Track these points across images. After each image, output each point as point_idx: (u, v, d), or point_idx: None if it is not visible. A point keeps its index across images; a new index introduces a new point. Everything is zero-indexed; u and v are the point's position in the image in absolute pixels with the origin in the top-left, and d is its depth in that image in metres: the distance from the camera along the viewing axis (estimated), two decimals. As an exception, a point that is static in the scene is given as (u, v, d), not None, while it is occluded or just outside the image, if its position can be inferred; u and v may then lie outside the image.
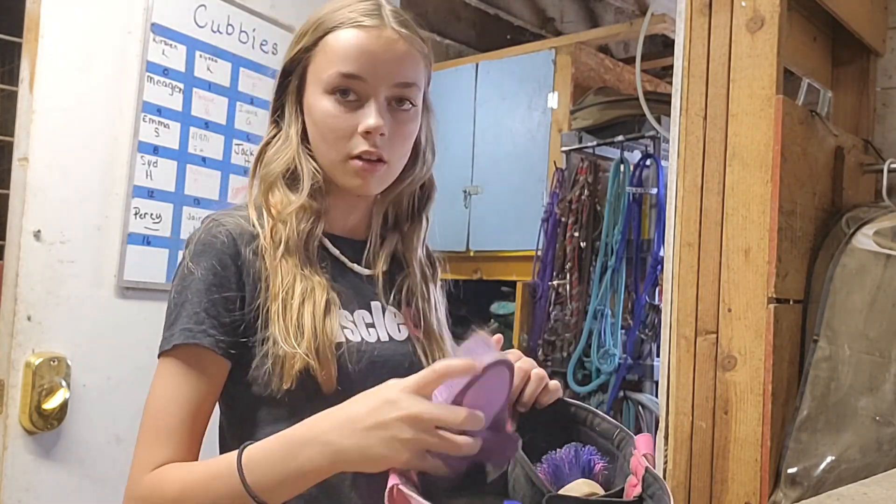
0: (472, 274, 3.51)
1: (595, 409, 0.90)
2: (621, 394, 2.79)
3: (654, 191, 2.78)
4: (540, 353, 2.99)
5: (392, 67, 0.96)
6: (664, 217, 2.06)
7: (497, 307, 3.41)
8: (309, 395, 0.90)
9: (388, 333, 1.01)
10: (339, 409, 0.81)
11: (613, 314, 2.80)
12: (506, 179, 3.37)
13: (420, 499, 0.71)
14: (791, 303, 1.36)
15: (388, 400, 0.77)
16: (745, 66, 1.34)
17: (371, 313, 1.01)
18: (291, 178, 1.00)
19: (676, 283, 1.39)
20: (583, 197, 2.95)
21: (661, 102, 2.66)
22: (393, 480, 0.75)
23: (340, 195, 1.01)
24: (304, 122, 1.00)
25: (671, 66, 1.45)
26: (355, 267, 1.03)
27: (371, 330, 1.00)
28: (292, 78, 1.01)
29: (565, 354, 2.92)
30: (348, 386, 0.89)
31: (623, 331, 2.82)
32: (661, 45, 3.52)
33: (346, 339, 0.95)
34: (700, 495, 1.33)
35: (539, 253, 3.07)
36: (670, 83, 1.45)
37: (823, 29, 1.60)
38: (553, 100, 3.23)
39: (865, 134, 1.67)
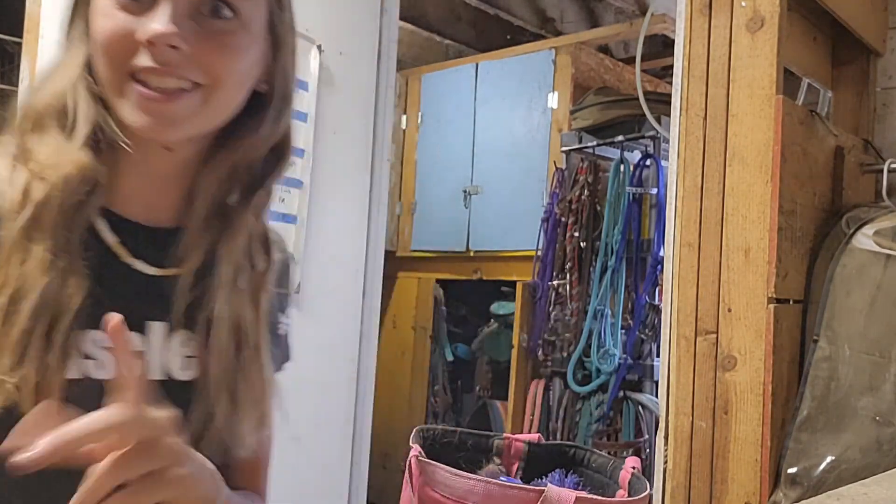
0: (472, 274, 3.51)
1: (590, 448, 0.92)
2: (621, 394, 2.79)
3: (654, 191, 2.78)
4: (540, 353, 2.99)
5: None
6: (664, 217, 2.06)
7: (497, 307, 3.41)
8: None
9: (167, 370, 0.71)
10: None
11: (613, 314, 2.80)
12: (506, 179, 3.37)
13: (438, 465, 0.72)
14: (791, 303, 1.36)
15: None
16: (745, 66, 1.34)
17: (146, 337, 0.71)
18: (64, 120, 0.69)
19: (676, 283, 1.39)
20: (583, 197, 2.95)
21: (661, 102, 2.66)
22: (413, 452, 0.76)
23: (137, 153, 0.70)
24: (89, 48, 0.70)
25: (671, 66, 1.45)
26: (136, 264, 0.71)
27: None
28: None
29: (565, 354, 2.92)
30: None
31: (623, 331, 2.82)
32: (661, 45, 3.52)
33: (88, 375, 0.66)
34: (700, 495, 1.33)
35: (539, 253, 3.07)
36: (670, 83, 1.44)
37: (823, 29, 1.60)
38: (553, 100, 3.23)
39: (865, 134, 1.67)
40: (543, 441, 0.92)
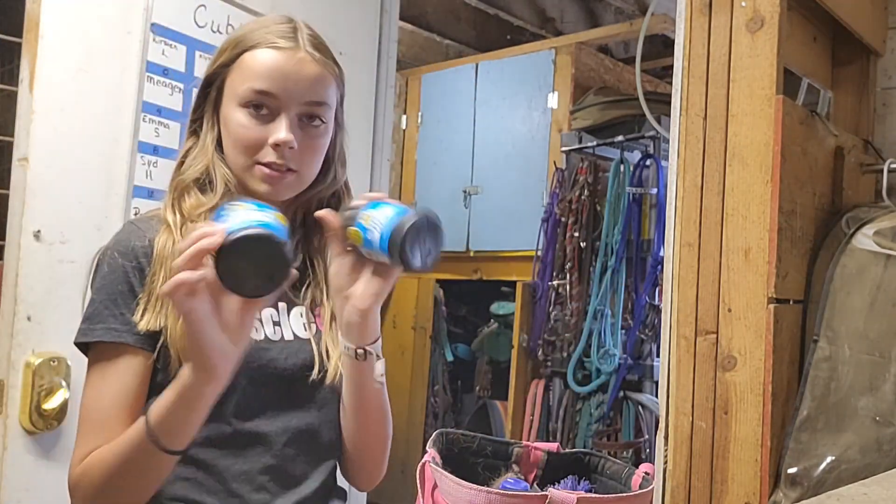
0: (472, 274, 3.51)
1: (604, 455, 0.93)
2: (621, 394, 2.79)
3: (654, 191, 2.78)
4: (540, 353, 2.99)
5: (303, 87, 1.04)
6: (664, 217, 2.06)
7: (497, 307, 3.41)
8: None
9: (293, 332, 1.08)
10: None
11: (613, 314, 2.80)
12: (506, 179, 3.37)
13: (445, 472, 0.72)
14: (791, 303, 1.36)
15: None
16: (745, 66, 1.34)
17: (278, 312, 1.08)
18: (206, 184, 1.07)
19: (676, 283, 1.39)
20: (583, 197, 2.95)
21: (661, 102, 2.66)
22: (427, 457, 0.76)
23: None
24: (219, 132, 1.08)
25: (671, 66, 1.45)
26: None
27: (276, 328, 1.07)
28: (211, 90, 1.09)
29: (565, 354, 2.92)
30: (248, 378, 1.00)
31: (623, 331, 2.82)
32: (661, 45, 3.52)
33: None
34: (700, 495, 1.33)
35: (539, 253, 3.07)
36: (670, 83, 1.44)
37: (823, 29, 1.60)
38: (553, 100, 3.23)
39: (865, 134, 1.67)
40: (562, 450, 0.92)
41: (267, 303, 0.96)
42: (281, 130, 1.02)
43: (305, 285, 1.11)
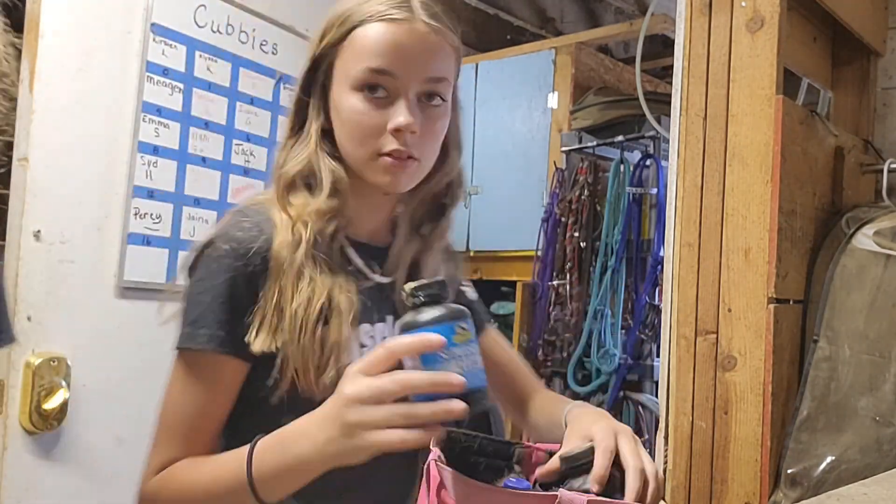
0: (472, 274, 3.50)
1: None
2: (621, 394, 2.79)
3: (654, 191, 2.78)
4: (540, 353, 2.99)
5: (423, 62, 0.92)
6: (664, 217, 2.06)
7: (497, 307, 3.41)
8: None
9: None
10: (328, 401, 0.81)
11: (613, 314, 2.80)
12: (506, 179, 3.37)
13: (451, 470, 0.71)
14: (791, 303, 1.36)
15: (337, 387, 0.79)
16: (745, 66, 1.34)
17: (388, 325, 1.00)
18: (310, 178, 0.96)
19: (676, 283, 1.38)
20: (583, 197, 2.95)
21: (661, 102, 2.66)
22: (432, 455, 0.75)
23: (363, 196, 0.98)
24: (325, 121, 0.97)
25: (671, 66, 1.45)
26: (376, 277, 0.99)
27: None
28: (318, 74, 0.97)
29: (565, 354, 2.92)
30: None
31: (623, 331, 2.81)
32: (661, 45, 3.52)
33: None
34: (700, 495, 1.33)
35: (539, 253, 3.07)
36: (670, 83, 1.44)
37: (823, 29, 1.60)
38: (553, 100, 3.23)
39: (865, 134, 1.67)
40: None
41: None
42: (401, 114, 0.90)
43: None
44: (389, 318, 0.99)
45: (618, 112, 2.98)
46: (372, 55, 0.91)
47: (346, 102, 0.93)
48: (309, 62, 0.98)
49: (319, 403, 0.82)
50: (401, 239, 1.02)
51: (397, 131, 0.91)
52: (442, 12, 0.96)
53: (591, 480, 0.76)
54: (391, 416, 0.73)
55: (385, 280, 1.00)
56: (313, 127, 0.97)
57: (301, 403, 0.87)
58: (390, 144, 0.91)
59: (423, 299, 0.76)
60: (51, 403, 1.58)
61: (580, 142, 3.00)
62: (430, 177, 1.00)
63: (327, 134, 0.97)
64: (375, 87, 0.92)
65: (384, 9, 0.92)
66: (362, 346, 0.95)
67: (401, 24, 0.92)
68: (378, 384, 0.74)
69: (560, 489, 0.75)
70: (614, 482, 0.77)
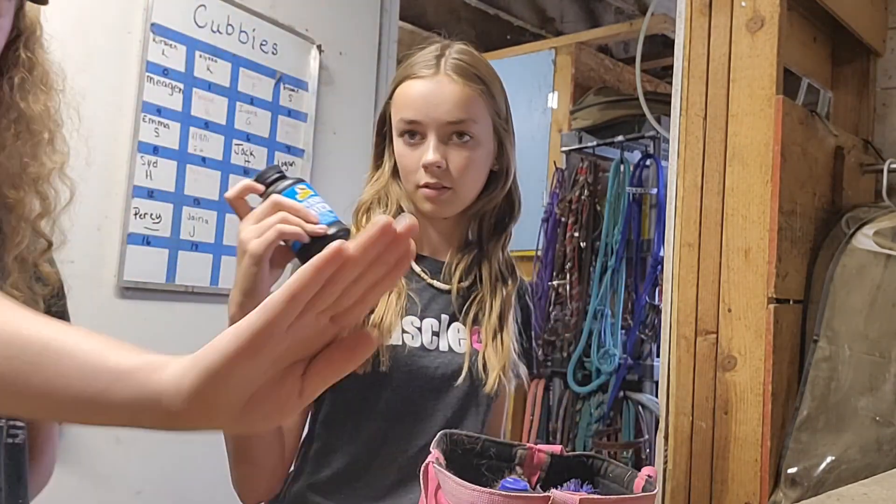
0: (472, 274, 3.51)
1: (608, 458, 0.92)
2: (621, 394, 2.79)
3: (654, 191, 2.78)
4: (540, 353, 2.99)
5: (444, 109, 1.10)
6: (664, 217, 2.06)
7: (497, 307, 3.41)
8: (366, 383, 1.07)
9: (450, 345, 1.14)
10: None
11: (613, 314, 2.80)
12: (506, 179, 3.37)
13: (447, 472, 0.72)
14: (791, 303, 1.36)
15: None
16: (745, 66, 1.34)
17: (440, 323, 1.14)
18: (384, 204, 1.18)
19: (676, 283, 1.38)
20: (583, 197, 2.95)
21: (661, 102, 2.66)
22: (431, 458, 0.76)
23: (423, 219, 1.17)
24: (395, 162, 1.18)
25: (671, 66, 1.45)
26: (435, 283, 1.16)
27: (435, 338, 1.13)
28: (385, 126, 1.19)
29: (565, 354, 2.92)
30: (399, 379, 1.08)
31: (623, 331, 2.82)
32: (661, 45, 3.52)
33: (403, 342, 1.09)
34: (700, 496, 1.33)
35: (539, 253, 3.07)
36: (670, 83, 1.44)
37: (823, 29, 1.60)
38: (553, 100, 3.23)
39: (865, 134, 1.67)
40: (566, 453, 0.92)
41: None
42: (428, 153, 1.10)
43: (471, 300, 1.17)
44: (444, 318, 1.15)
45: (618, 112, 2.98)
46: (405, 108, 1.12)
47: (396, 147, 1.15)
48: (379, 116, 1.21)
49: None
50: (455, 252, 1.20)
51: (426, 167, 1.10)
52: (470, 65, 1.14)
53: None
54: (262, 227, 0.91)
55: (443, 287, 1.16)
56: (386, 166, 1.19)
57: None
58: (424, 178, 1.11)
59: (274, 176, 0.98)
60: (51, 403, 1.58)
61: (580, 142, 3.00)
62: (477, 200, 1.19)
63: (397, 172, 1.19)
64: (413, 133, 1.12)
65: (417, 68, 1.13)
66: (404, 331, 1.10)
67: (425, 80, 1.11)
68: (256, 210, 0.94)
69: (552, 490, 0.75)
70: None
